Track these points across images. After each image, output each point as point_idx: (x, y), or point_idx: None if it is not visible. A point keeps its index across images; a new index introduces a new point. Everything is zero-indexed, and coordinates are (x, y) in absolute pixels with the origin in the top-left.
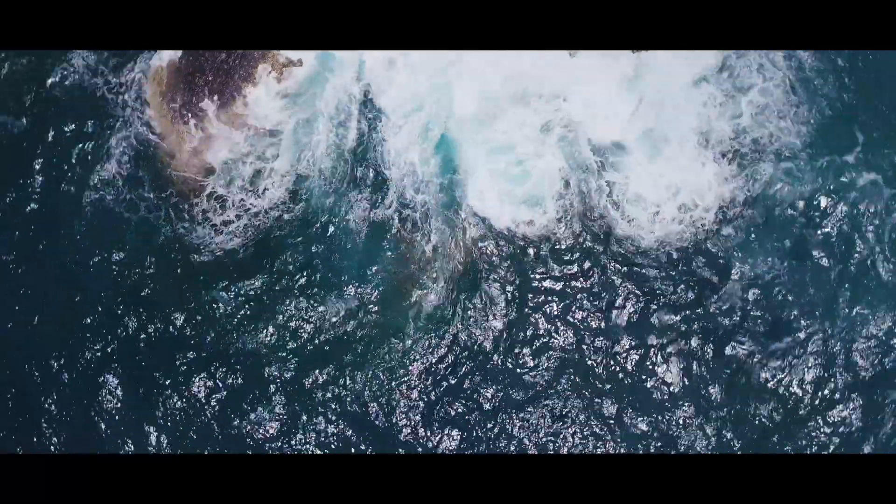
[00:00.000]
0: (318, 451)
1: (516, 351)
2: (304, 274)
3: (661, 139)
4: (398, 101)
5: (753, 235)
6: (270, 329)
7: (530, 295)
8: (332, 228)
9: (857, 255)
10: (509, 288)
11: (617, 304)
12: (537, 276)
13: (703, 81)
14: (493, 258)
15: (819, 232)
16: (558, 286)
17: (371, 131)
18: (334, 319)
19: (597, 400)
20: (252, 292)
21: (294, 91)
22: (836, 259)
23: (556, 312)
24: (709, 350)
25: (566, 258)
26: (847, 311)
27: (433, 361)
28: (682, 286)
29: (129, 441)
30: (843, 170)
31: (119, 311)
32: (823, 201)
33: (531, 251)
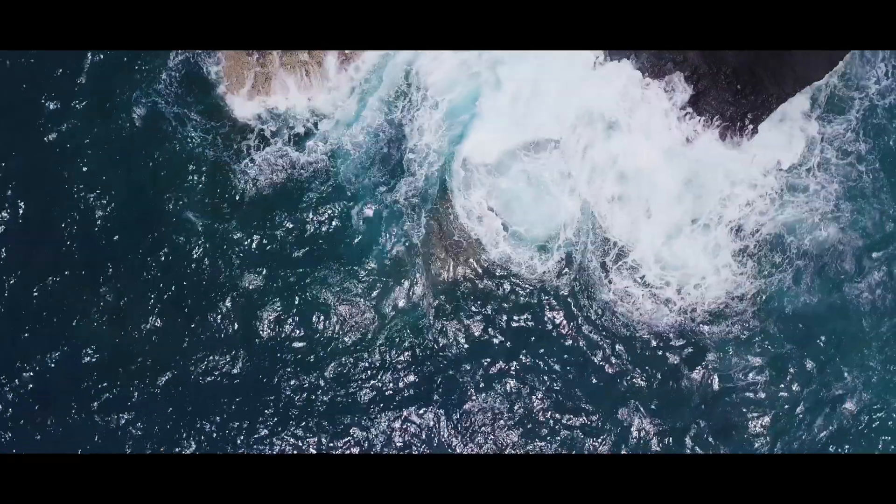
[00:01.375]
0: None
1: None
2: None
3: (688, 220)
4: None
5: (741, 339)
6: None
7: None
8: (352, 200)
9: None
10: (486, 309)
11: (581, 362)
12: (516, 309)
13: (769, 174)
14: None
15: (804, 354)
16: (532, 323)
17: (408, 117)
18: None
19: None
20: (267, 233)
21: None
22: (811, 384)
23: (523, 352)
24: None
25: (547, 301)
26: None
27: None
28: (651, 367)
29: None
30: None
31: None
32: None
33: (513, 284)
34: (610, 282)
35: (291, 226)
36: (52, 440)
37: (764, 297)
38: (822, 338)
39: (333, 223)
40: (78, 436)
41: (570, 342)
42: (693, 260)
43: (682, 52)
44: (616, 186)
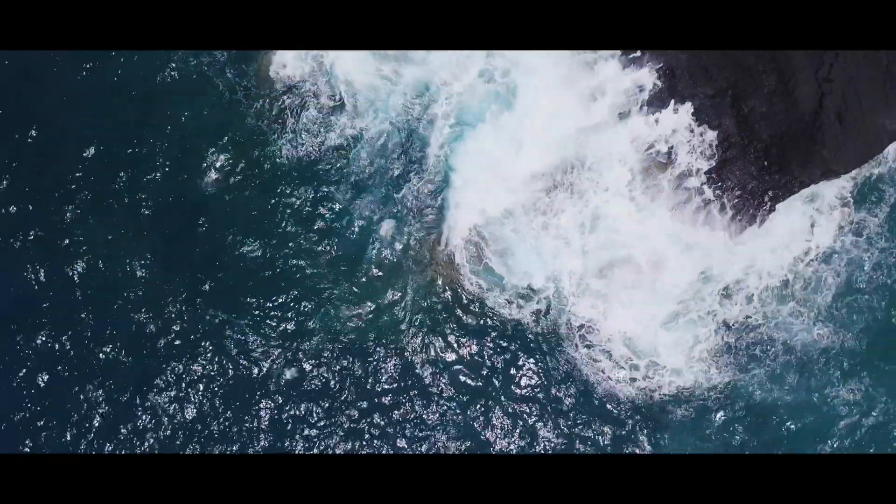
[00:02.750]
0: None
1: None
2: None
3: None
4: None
5: (704, 426)
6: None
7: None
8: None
9: None
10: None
11: (533, 403)
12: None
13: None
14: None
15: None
16: (494, 356)
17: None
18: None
19: None
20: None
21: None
22: None
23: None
24: None
25: (513, 339)
26: None
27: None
28: (599, 427)
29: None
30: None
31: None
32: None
33: (485, 314)
34: (577, 345)
35: (290, 210)
36: (52, 440)
37: (736, 390)
38: (786, 441)
39: (333, 213)
40: (77, 435)
41: (528, 381)
42: (666, 353)
43: (720, 117)
44: (609, 252)
